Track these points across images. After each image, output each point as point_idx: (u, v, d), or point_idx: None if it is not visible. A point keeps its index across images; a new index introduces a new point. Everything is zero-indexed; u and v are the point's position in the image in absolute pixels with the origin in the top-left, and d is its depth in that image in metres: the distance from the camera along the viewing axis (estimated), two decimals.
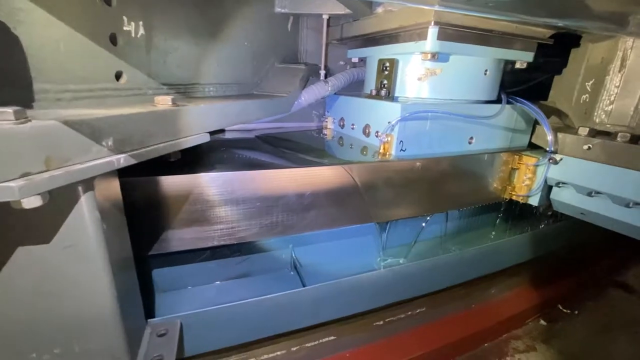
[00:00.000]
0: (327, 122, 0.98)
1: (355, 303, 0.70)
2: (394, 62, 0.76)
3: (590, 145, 0.70)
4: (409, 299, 0.78)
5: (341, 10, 0.79)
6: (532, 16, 0.59)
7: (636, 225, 0.66)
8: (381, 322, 0.73)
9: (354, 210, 0.64)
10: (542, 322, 0.87)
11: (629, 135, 0.65)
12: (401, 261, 0.78)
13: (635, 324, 0.89)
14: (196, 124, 0.44)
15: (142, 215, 0.47)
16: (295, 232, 0.61)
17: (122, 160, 0.33)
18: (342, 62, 1.01)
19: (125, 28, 0.44)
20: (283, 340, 0.64)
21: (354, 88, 0.94)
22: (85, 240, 0.33)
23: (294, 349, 0.63)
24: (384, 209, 0.68)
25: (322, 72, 0.85)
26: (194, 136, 0.44)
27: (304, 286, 0.66)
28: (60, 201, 0.31)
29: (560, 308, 0.91)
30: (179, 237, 0.51)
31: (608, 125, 0.74)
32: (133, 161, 0.34)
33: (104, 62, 0.42)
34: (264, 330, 0.62)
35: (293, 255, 0.74)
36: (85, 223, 0.32)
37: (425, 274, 0.77)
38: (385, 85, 0.79)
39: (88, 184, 0.32)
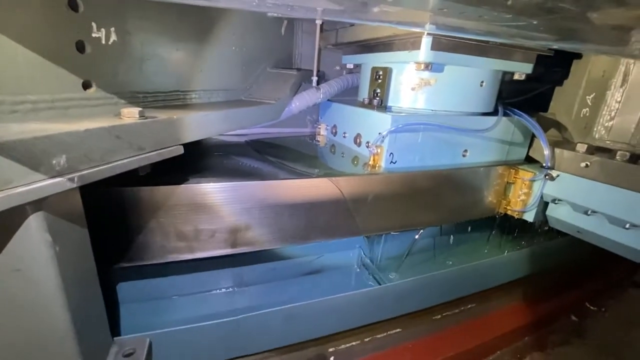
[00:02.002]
0: (320, 128, 0.96)
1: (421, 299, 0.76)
2: (387, 71, 0.74)
3: (588, 163, 0.67)
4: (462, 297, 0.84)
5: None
6: (524, 39, 0.57)
7: (632, 247, 0.63)
8: (439, 317, 0.79)
9: (339, 223, 0.62)
10: (574, 317, 0.94)
11: (628, 154, 0.62)
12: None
13: None
14: (167, 137, 0.42)
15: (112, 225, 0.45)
16: (277, 245, 0.59)
17: (77, 179, 0.31)
18: (337, 68, 0.98)
19: (94, 35, 0.42)
20: (356, 333, 0.70)
21: (351, 94, 0.91)
22: (34, 264, 0.31)
23: (367, 339, 0.70)
24: (371, 222, 0.66)
25: (314, 79, 0.83)
26: (165, 149, 0.42)
27: (379, 284, 0.72)
28: (5, 224, 0.29)
29: (588, 306, 0.99)
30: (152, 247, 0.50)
31: (608, 142, 0.72)
32: (89, 180, 0.33)
33: (70, 71, 0.39)
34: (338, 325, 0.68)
35: (362, 253, 0.80)
36: (33, 246, 0.30)
37: (478, 273, 0.82)
38: (378, 94, 0.77)
39: (36, 205, 0.30)
